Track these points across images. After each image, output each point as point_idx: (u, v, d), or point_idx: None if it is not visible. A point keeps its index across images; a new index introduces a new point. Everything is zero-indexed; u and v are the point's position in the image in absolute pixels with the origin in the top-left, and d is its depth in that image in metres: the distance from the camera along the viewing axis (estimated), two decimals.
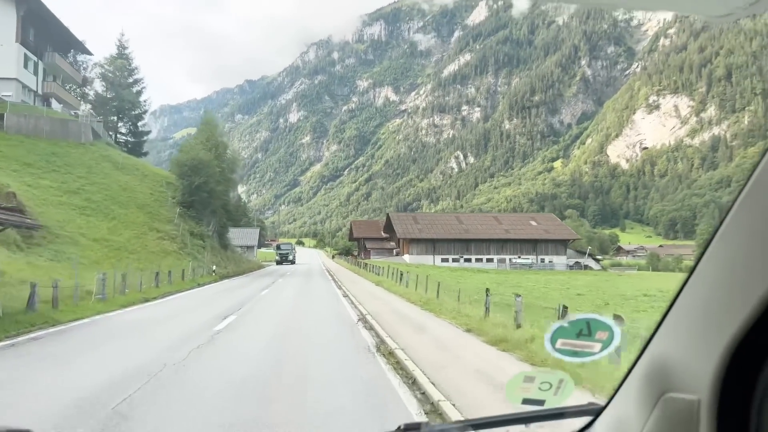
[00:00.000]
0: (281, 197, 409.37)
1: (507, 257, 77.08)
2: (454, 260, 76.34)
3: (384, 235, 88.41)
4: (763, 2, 0.84)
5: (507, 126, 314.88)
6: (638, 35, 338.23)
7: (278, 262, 76.27)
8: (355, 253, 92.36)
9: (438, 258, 76.28)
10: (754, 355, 0.96)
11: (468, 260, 76.29)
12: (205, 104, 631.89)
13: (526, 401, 1.33)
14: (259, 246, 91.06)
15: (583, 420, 1.35)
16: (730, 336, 0.95)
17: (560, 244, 78.84)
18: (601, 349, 1.30)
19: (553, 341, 1.30)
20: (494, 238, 77.71)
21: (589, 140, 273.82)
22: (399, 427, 1.28)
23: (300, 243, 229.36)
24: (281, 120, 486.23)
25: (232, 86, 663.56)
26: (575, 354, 1.30)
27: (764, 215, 0.88)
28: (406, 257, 74.93)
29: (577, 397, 1.41)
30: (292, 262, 76.62)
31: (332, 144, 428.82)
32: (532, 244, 77.99)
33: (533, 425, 1.34)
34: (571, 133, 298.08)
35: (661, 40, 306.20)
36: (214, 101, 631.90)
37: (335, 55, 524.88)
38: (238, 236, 65.51)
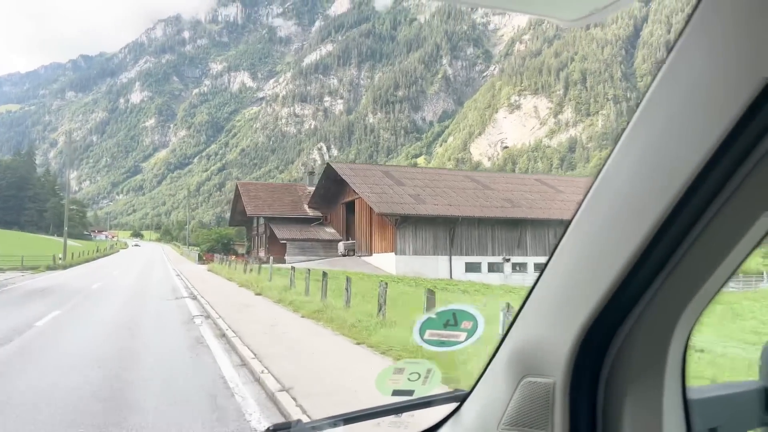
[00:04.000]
0: (120, 185, 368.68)
1: None
2: (495, 267, 41.46)
3: (312, 212, 53.09)
4: (612, 7, 0.87)
5: (371, 120, 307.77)
6: (495, 39, 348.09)
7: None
8: (242, 252, 62.57)
9: (459, 261, 40.67)
10: (602, 337, 1.05)
11: (522, 267, 41.64)
12: (31, 79, 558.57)
13: (395, 392, 1.36)
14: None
15: (451, 406, 1.39)
16: (582, 320, 1.03)
17: None
18: (467, 338, 1.34)
19: (421, 332, 1.33)
20: (555, 218, 41.17)
21: (450, 138, 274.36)
22: (268, 428, 1.28)
23: (138, 236, 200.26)
24: (122, 100, 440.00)
25: (64, 61, 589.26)
26: (442, 344, 1.33)
27: (610, 208, 0.95)
28: (380, 259, 41.40)
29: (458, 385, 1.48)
30: None
31: (181, 129, 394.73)
32: None
33: (404, 415, 1.38)
34: (434, 130, 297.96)
35: (517, 45, 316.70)
36: (41, 76, 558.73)
37: (186, 35, 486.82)
38: None
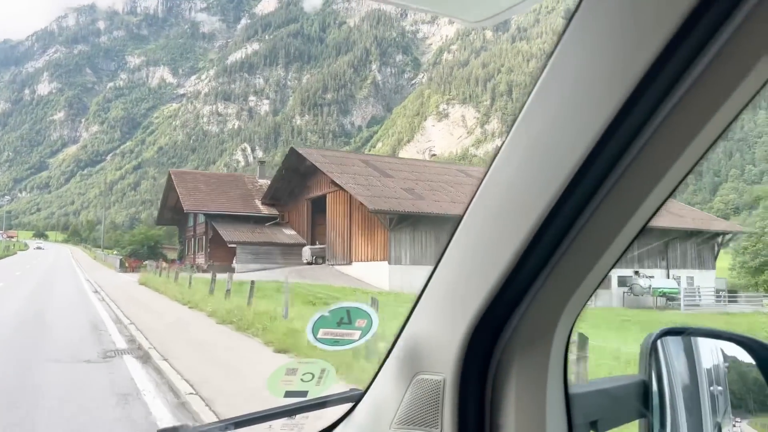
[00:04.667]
0: (23, 182, 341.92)
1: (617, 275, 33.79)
2: None
3: (266, 209, 44.37)
4: (511, 11, 0.89)
5: (298, 122, 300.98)
6: (423, 47, 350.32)
7: None
8: (173, 257, 50.96)
9: None
10: (490, 333, 1.06)
11: None
12: None
13: (288, 394, 1.33)
14: None
15: (346, 406, 1.38)
16: (471, 316, 1.04)
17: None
18: (361, 336, 1.34)
19: (314, 331, 1.32)
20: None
21: (379, 144, 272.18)
22: None
23: (42, 236, 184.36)
24: (27, 91, 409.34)
25: None
26: (336, 342, 1.32)
27: (497, 203, 0.97)
28: (364, 269, 33.67)
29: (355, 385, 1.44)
30: None
31: (93, 124, 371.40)
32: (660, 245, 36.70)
33: (297, 417, 1.34)
34: (362, 135, 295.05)
35: (445, 54, 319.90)
36: None
37: (101, 25, 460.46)
38: None
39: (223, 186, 47.57)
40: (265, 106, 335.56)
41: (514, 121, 0.91)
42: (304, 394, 1.33)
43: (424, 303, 1.19)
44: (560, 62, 0.82)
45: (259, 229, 41.88)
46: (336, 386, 1.37)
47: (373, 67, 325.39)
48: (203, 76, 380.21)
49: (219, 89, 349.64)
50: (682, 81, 0.74)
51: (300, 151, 40.37)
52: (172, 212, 50.07)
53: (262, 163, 54.74)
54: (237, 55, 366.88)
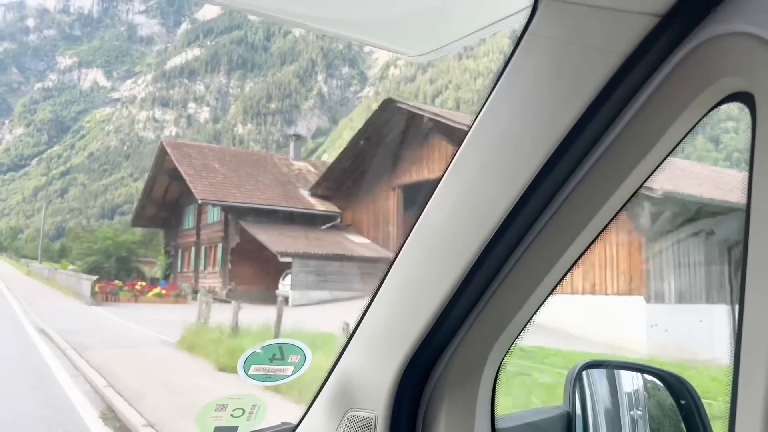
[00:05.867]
0: None
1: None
2: None
3: (319, 205, 30.06)
4: (450, 47, 0.90)
5: (240, 130, 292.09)
6: (370, 61, 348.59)
7: None
8: (155, 275, 37.50)
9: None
10: (421, 371, 1.08)
11: None
12: None
13: (218, 430, 1.30)
14: None
15: None
16: (402, 355, 1.06)
17: None
18: (293, 372, 1.32)
19: (246, 368, 1.29)
20: None
21: (325, 156, 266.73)
22: None
23: None
24: None
25: None
26: (268, 378, 1.30)
27: (430, 245, 1.01)
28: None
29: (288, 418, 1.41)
30: None
31: (18, 126, 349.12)
32: None
33: None
34: (307, 146, 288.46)
35: (392, 69, 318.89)
36: None
37: (30, 22, 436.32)
38: None
39: (246, 166, 33.55)
40: (205, 114, 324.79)
41: (447, 166, 0.94)
42: (234, 429, 1.31)
43: (357, 340, 1.19)
44: (492, 112, 0.86)
45: (315, 233, 27.45)
46: (267, 420, 1.34)
47: (319, 78, 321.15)
48: (140, 81, 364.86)
49: (156, 94, 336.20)
50: (604, 137, 0.78)
51: (405, 107, 26.68)
52: (159, 207, 36.72)
53: (297, 137, 40.16)
54: (176, 60, 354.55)
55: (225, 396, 1.32)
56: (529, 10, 0.77)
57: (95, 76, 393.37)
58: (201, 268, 33.46)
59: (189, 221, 35.84)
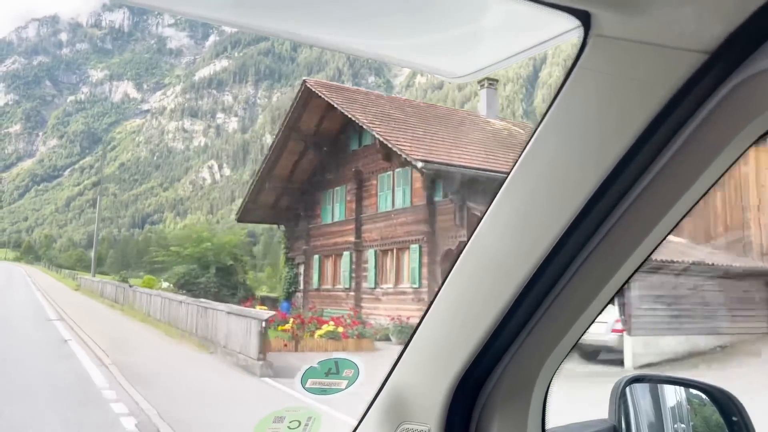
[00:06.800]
0: None
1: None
2: None
3: None
4: (491, 68, 0.89)
5: (269, 140, 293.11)
6: (396, 70, 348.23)
7: None
8: (268, 293, 31.37)
9: None
10: (473, 386, 1.12)
11: None
12: None
13: None
14: None
15: None
16: (455, 370, 1.09)
17: None
18: (348, 385, 1.37)
19: (303, 381, 1.35)
20: None
21: None
22: None
23: None
24: None
25: None
26: (323, 391, 1.35)
27: (482, 264, 1.04)
28: None
29: None
30: None
31: (51, 138, 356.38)
32: None
33: None
34: None
35: (418, 78, 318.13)
36: None
37: (63, 37, 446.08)
38: None
39: (440, 123, 23.24)
40: (233, 124, 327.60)
41: (499, 187, 0.95)
42: None
43: (410, 354, 1.21)
44: (543, 140, 0.87)
45: None
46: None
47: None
48: (169, 92, 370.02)
49: (185, 105, 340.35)
50: (651, 167, 0.81)
51: None
52: (282, 193, 26.02)
53: (491, 82, 26.62)
54: (205, 72, 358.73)
55: (283, 408, 1.37)
56: (576, 40, 0.78)
57: (126, 88, 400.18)
58: (367, 283, 22.19)
59: (333, 212, 24.78)
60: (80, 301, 32.19)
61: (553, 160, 0.86)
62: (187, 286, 25.54)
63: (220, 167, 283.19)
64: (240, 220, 29.17)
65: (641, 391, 1.51)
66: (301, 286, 26.16)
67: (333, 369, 1.36)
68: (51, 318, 21.31)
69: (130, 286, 29.29)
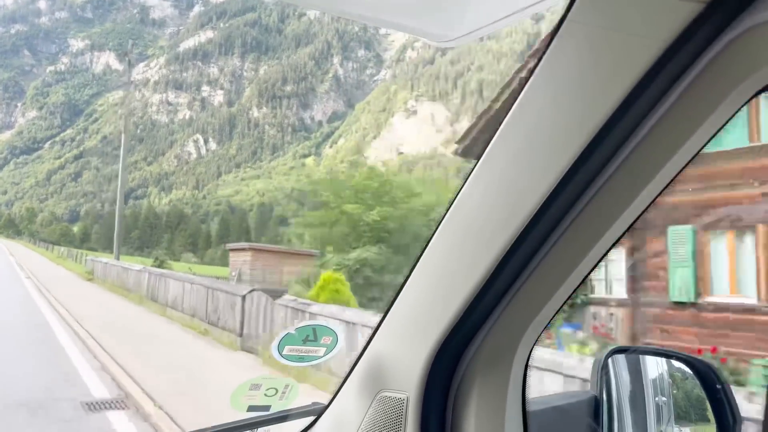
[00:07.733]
0: None
1: None
2: None
3: None
4: (481, 31, 0.88)
5: (255, 114, 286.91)
6: (386, 44, 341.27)
7: None
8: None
9: None
10: (453, 353, 1.11)
11: None
12: None
13: (251, 408, 1.33)
14: None
15: (308, 420, 1.38)
16: (434, 338, 1.07)
17: None
18: (326, 353, 1.35)
19: (280, 348, 1.32)
20: None
21: (341, 140, 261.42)
22: None
23: None
24: None
25: None
26: (301, 359, 1.33)
27: (462, 232, 1.01)
28: None
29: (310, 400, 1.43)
30: None
31: (30, 109, 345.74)
32: None
33: (259, 430, 1.34)
34: (323, 130, 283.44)
35: (408, 52, 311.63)
36: None
37: (42, 5, 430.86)
38: None
39: None
40: (219, 97, 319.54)
41: (480, 154, 0.92)
42: (267, 408, 1.33)
43: (389, 322, 1.21)
44: (529, 99, 0.84)
45: None
46: (299, 400, 1.36)
47: (335, 60, 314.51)
48: (152, 64, 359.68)
49: (170, 77, 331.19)
50: (642, 125, 0.78)
51: None
52: None
53: None
54: (189, 43, 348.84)
55: (260, 376, 1.34)
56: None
57: (108, 59, 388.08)
58: None
59: None
60: (124, 310, 17.78)
61: (540, 120, 0.83)
62: (358, 274, 14.06)
63: (206, 141, 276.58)
64: (464, 153, 17.23)
65: (623, 363, 1.52)
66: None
67: (311, 336, 1.34)
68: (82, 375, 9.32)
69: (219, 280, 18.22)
